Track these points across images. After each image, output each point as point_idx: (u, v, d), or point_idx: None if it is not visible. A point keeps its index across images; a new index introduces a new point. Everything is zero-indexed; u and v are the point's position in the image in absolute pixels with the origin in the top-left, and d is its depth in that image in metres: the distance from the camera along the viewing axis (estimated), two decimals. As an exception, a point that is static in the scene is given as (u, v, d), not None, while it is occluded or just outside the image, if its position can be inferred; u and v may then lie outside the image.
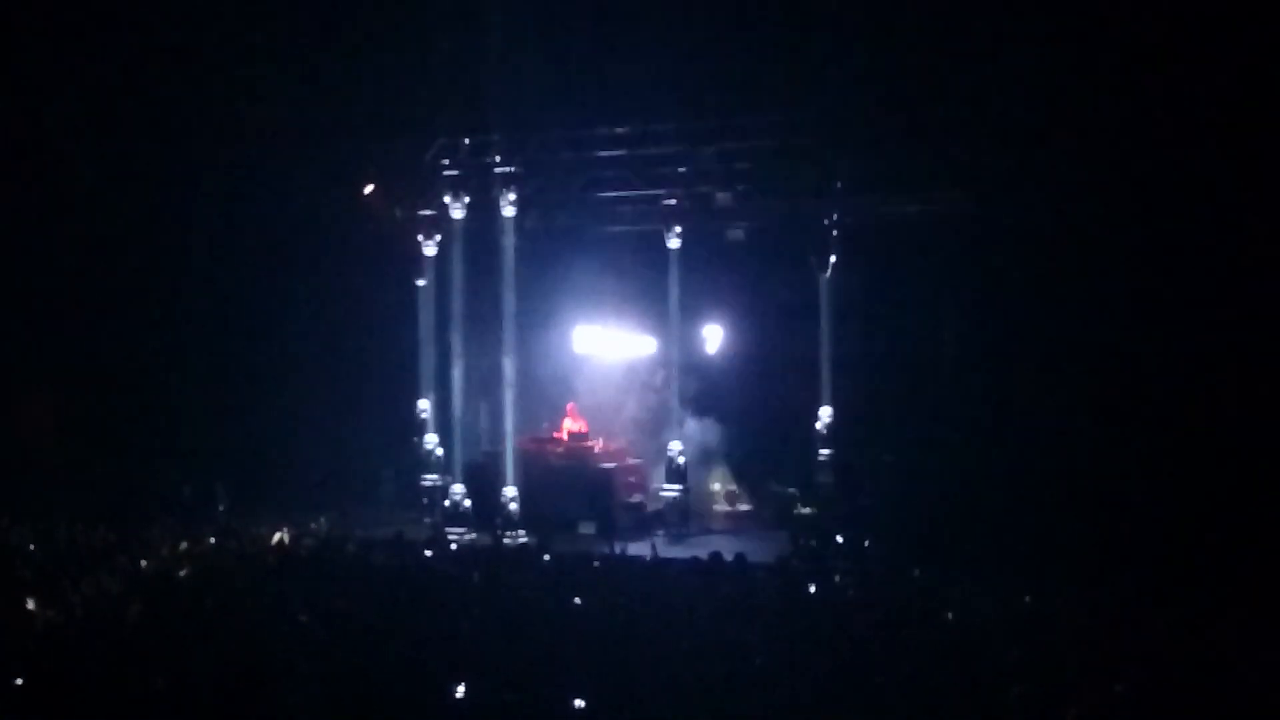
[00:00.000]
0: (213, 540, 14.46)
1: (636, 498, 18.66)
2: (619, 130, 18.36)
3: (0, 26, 18.79)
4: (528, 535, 17.02)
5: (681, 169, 18.48)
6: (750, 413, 19.98)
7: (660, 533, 17.73)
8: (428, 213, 19.82)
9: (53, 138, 19.39)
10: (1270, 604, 11.19)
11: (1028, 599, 11.54)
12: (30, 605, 10.59)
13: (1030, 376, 16.61)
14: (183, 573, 12.51)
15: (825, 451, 18.85)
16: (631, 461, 19.16)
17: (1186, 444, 15.28)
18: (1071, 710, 7.85)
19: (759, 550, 15.07)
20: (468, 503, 18.80)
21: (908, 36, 17.23)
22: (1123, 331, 16.09)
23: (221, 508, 17.71)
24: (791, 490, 18.90)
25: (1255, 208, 15.15)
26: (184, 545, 14.21)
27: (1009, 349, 17.08)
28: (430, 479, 19.56)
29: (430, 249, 19.90)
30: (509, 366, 18.93)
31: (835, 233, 18.72)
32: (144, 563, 13.22)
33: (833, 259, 18.78)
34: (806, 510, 17.82)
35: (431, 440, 19.77)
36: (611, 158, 18.70)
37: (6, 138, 19.03)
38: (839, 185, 18.39)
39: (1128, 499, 14.97)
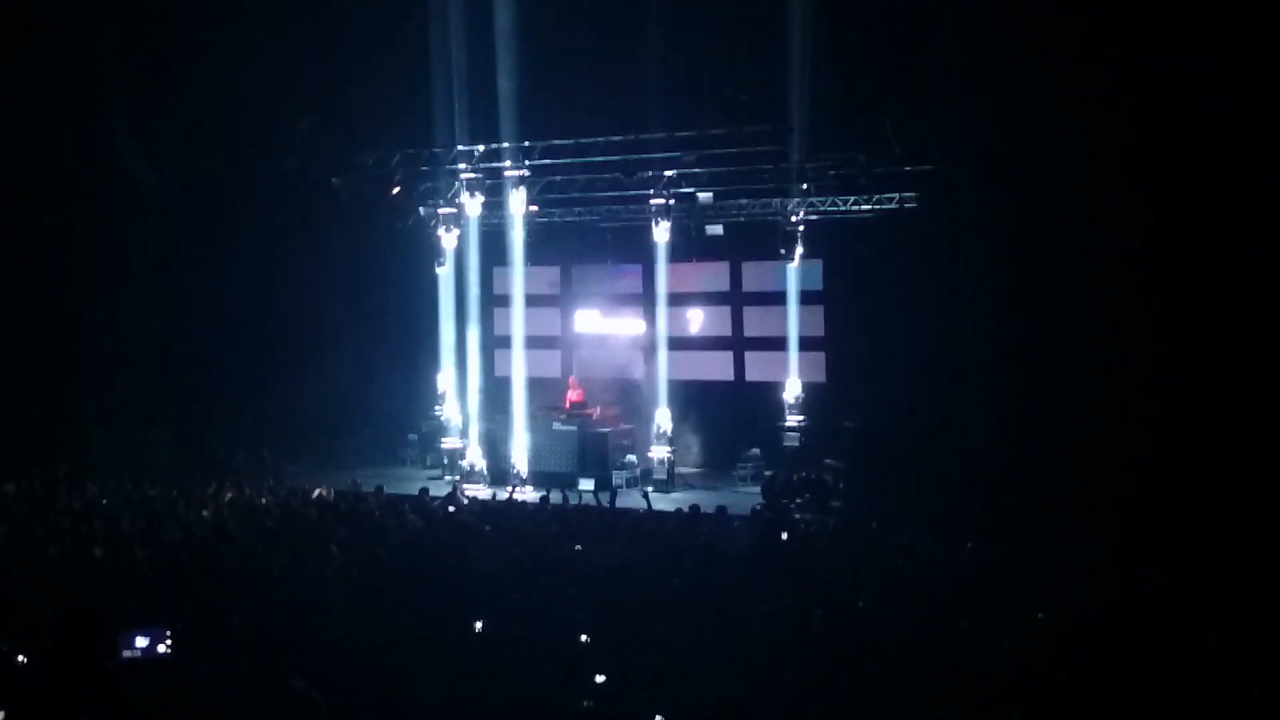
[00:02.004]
0: (263, 499, 14.39)
1: (628, 458, 18.65)
2: (614, 138, 18.28)
3: (64, 43, 18.57)
4: (535, 490, 17.01)
5: (668, 172, 18.42)
6: (726, 384, 20.02)
7: (649, 488, 17.73)
8: (447, 210, 19.77)
9: (117, 149, 19.21)
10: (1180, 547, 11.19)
11: (970, 545, 11.55)
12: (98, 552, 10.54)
13: (972, 350, 16.61)
14: (234, 523, 12.49)
15: (794, 420, 18.82)
16: (624, 426, 19.16)
17: (1104, 412, 15.29)
18: (1005, 641, 7.87)
19: (734, 504, 15.04)
20: (483, 463, 18.85)
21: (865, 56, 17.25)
22: (1051, 317, 16.15)
23: (268, 469, 17.64)
24: (756, 451, 18.94)
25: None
26: (229, 496, 14.24)
27: (949, 327, 17.10)
28: (449, 443, 19.53)
29: (449, 241, 19.84)
30: (517, 344, 18.92)
31: (801, 229, 18.67)
32: (205, 512, 13.23)
33: (799, 250, 18.74)
34: (768, 471, 17.86)
35: (450, 408, 19.74)
36: (607, 162, 18.62)
37: (78, 151, 18.86)
38: (804, 187, 18.32)
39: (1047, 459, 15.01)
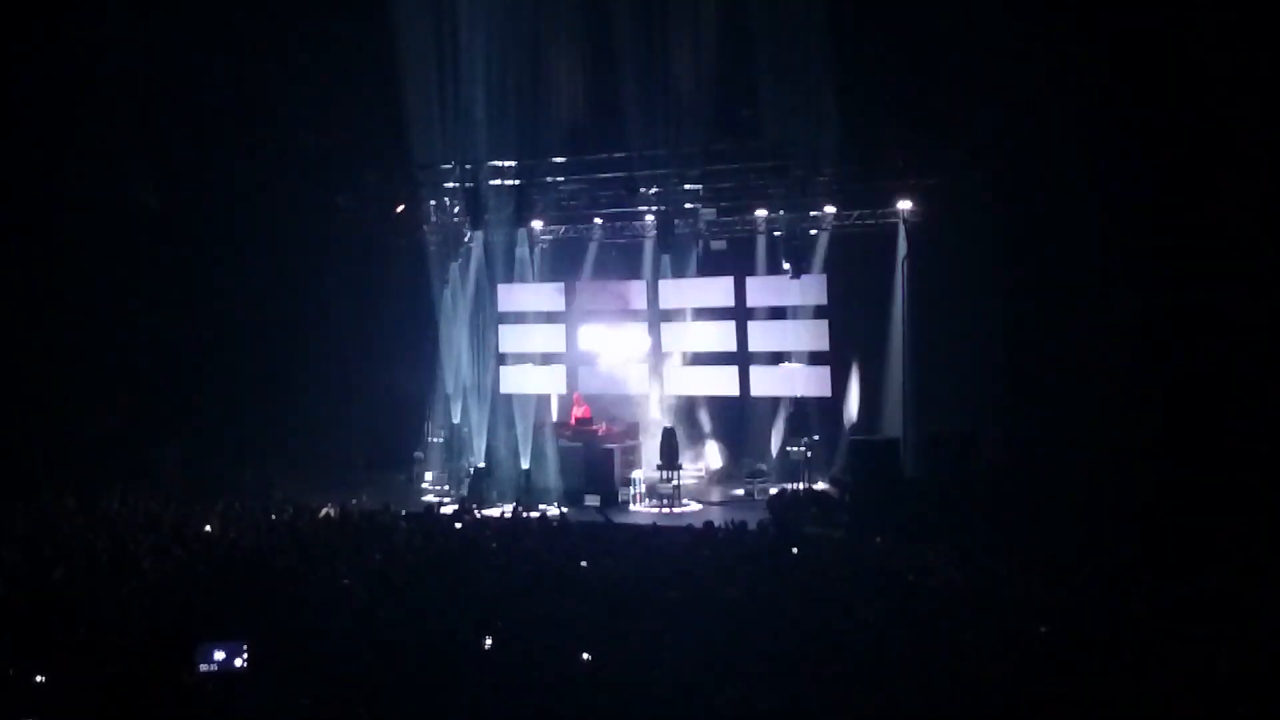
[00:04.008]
0: (273, 516, 14.50)
1: (634, 474, 18.73)
2: (617, 154, 18.43)
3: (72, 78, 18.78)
4: (541, 507, 17.12)
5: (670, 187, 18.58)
6: (730, 400, 20.08)
7: (655, 504, 17.82)
8: (452, 228, 19.92)
9: (124, 171, 19.40)
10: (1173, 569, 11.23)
11: (980, 561, 11.59)
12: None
13: (979, 364, 16.67)
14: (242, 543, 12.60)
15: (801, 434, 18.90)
16: (629, 443, 19.24)
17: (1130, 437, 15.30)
18: (1012, 652, 7.97)
19: (741, 519, 15.10)
20: (489, 480, 18.94)
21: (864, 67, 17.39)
22: (1055, 323, 16.25)
23: (275, 489, 17.74)
24: (761, 466, 19.00)
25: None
26: (236, 515, 14.31)
27: (956, 341, 17.17)
28: (455, 460, 19.64)
29: (454, 259, 20.00)
30: (522, 360, 19.00)
31: (796, 242, 18.78)
32: (208, 527, 13.34)
33: (802, 264, 18.82)
34: (772, 490, 17.91)
35: (455, 426, 19.83)
36: (610, 179, 18.79)
37: (81, 170, 19.04)
38: (807, 201, 18.44)
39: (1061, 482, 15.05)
